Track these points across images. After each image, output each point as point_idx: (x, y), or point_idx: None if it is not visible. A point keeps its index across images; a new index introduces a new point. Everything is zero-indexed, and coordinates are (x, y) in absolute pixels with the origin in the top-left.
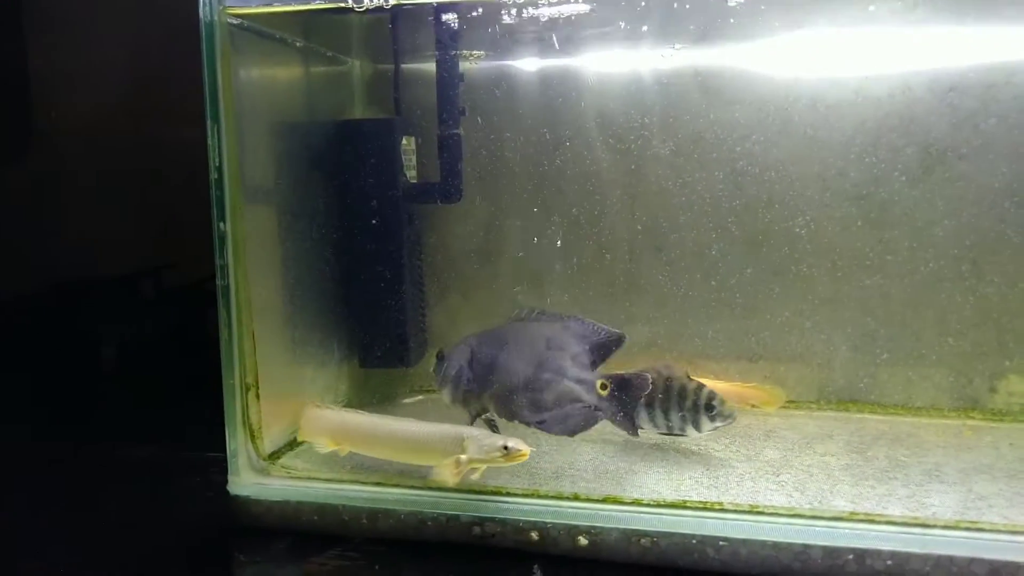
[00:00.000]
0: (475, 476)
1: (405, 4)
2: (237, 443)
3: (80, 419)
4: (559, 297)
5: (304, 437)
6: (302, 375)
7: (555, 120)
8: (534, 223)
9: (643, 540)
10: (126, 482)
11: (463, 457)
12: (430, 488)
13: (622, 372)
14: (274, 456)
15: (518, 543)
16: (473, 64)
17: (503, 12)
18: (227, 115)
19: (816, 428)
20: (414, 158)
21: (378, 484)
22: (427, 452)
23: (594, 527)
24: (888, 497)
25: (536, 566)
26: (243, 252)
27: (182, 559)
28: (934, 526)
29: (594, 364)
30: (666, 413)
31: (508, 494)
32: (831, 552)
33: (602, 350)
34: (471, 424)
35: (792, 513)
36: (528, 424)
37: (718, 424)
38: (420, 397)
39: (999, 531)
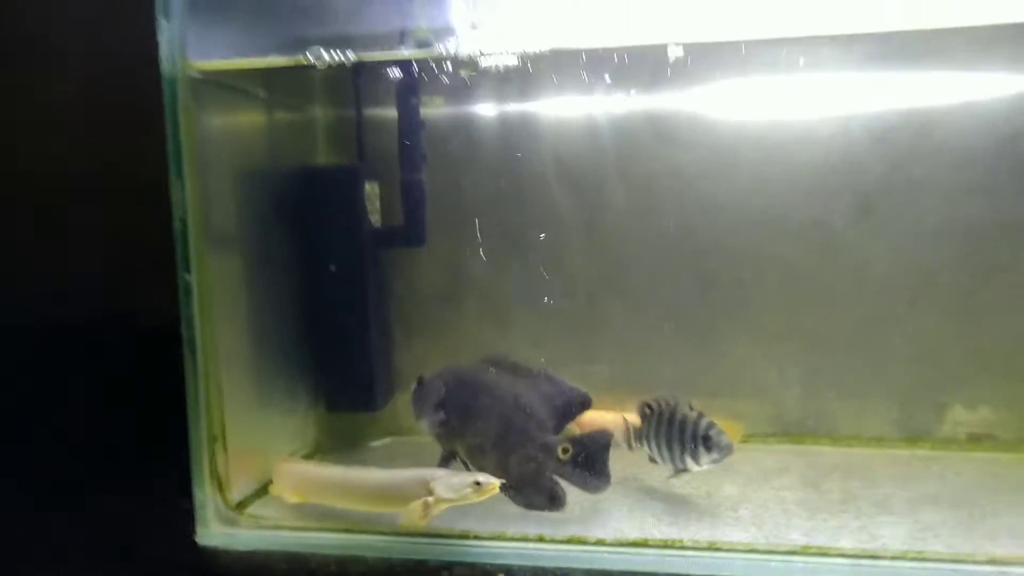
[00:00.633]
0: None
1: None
2: (205, 494)
3: (45, 470)
4: (522, 338)
5: (275, 491)
6: (269, 423)
7: (515, 164)
8: (497, 266)
9: None
10: (93, 533)
11: (430, 499)
12: (398, 534)
13: (582, 433)
14: (242, 505)
15: None
16: (434, 110)
17: (459, 68)
18: (191, 167)
19: (773, 462)
20: (378, 203)
21: (346, 531)
22: (395, 499)
23: (560, 568)
24: (841, 529)
25: None
26: (209, 302)
27: None
28: (883, 557)
29: (558, 427)
30: (669, 445)
31: (475, 537)
32: None
33: (567, 411)
34: (441, 463)
35: (749, 549)
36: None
37: (715, 456)
38: (388, 440)
39: (943, 560)
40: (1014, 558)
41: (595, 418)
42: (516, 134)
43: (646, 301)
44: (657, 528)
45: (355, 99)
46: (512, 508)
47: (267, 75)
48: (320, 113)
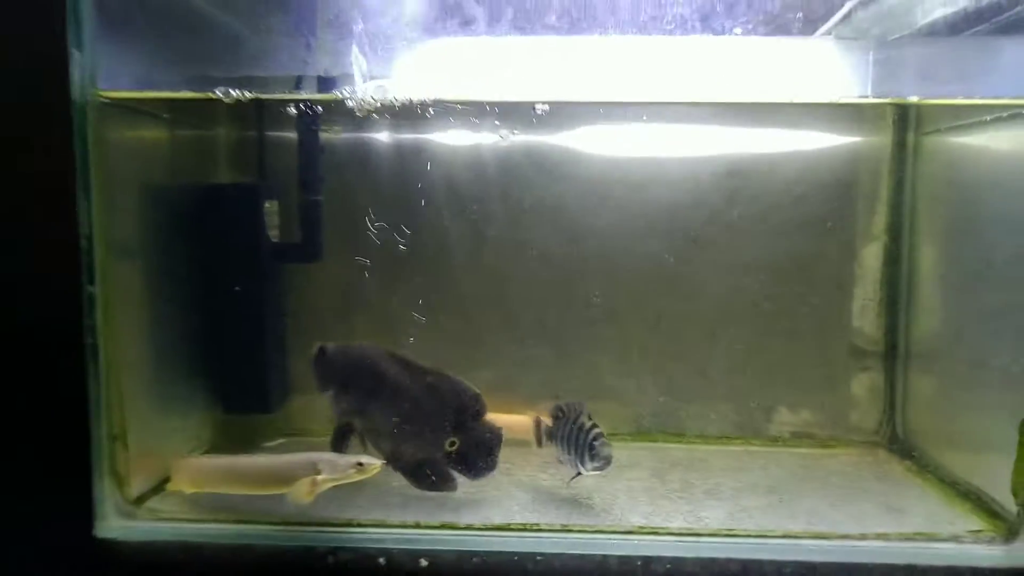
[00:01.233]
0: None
1: (265, 98)
2: (104, 489)
3: None
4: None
5: (173, 487)
6: (167, 424)
7: (406, 187)
8: (389, 279)
9: (475, 559)
10: None
11: (318, 477)
12: (287, 523)
13: (475, 430)
14: (140, 500)
15: (368, 568)
16: (334, 136)
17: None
18: (97, 185)
19: (628, 458)
20: (277, 219)
21: (239, 522)
22: (285, 480)
23: (433, 550)
24: (674, 513)
25: None
26: (112, 312)
27: None
28: (702, 534)
29: (453, 423)
30: (568, 448)
31: (359, 525)
32: (624, 560)
33: (461, 411)
34: (336, 436)
35: (595, 530)
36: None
37: (597, 464)
38: (283, 440)
39: (749, 535)
40: (803, 532)
41: (507, 418)
42: (409, 161)
43: (522, 316)
44: (521, 515)
45: (257, 123)
46: (394, 499)
47: (173, 100)
48: (224, 134)
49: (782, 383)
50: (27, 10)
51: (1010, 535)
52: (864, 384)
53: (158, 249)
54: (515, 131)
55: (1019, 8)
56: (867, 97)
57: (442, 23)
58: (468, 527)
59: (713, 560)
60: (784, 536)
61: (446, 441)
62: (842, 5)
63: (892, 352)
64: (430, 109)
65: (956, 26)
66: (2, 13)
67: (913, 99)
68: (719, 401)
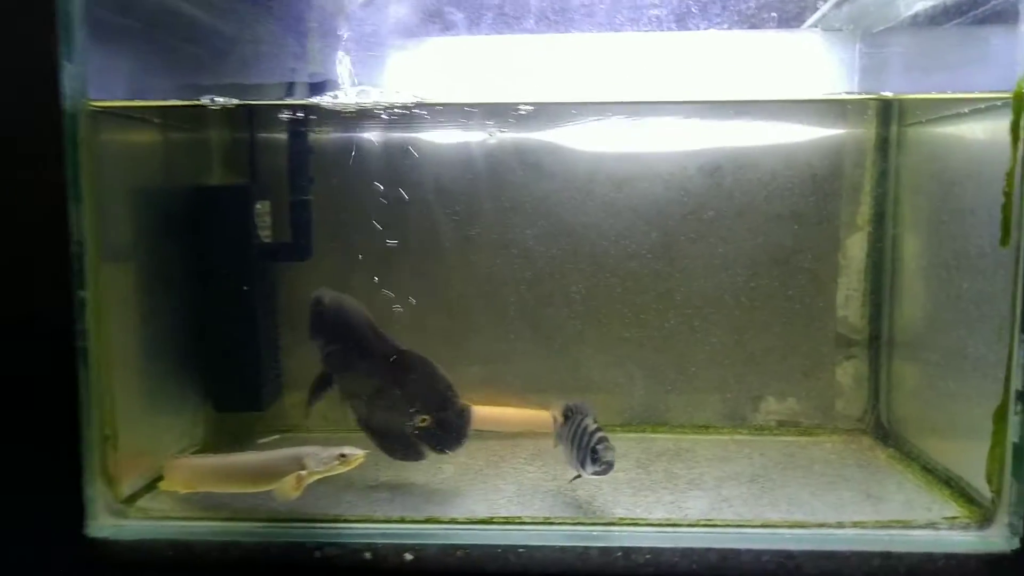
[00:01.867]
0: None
1: (249, 104)
2: (95, 489)
3: None
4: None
5: (165, 487)
6: (159, 423)
7: (396, 186)
8: (379, 276)
9: (459, 552)
10: None
11: (303, 472)
12: (274, 520)
13: (447, 413)
14: (131, 499)
15: (354, 562)
16: (323, 136)
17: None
18: (88, 192)
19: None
20: (269, 219)
21: (227, 519)
22: (271, 476)
23: (418, 544)
24: (656, 503)
25: None
26: (102, 315)
27: None
28: (681, 525)
29: (425, 407)
30: (571, 449)
31: (345, 520)
32: (604, 551)
33: (438, 397)
34: (317, 382)
35: (576, 522)
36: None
37: (597, 468)
38: (276, 437)
39: (728, 525)
40: (782, 521)
41: (524, 413)
42: (398, 161)
43: (513, 309)
44: (506, 508)
45: (249, 126)
46: (381, 494)
47: (164, 107)
48: (215, 136)
49: (768, 372)
50: (19, 24)
51: (984, 521)
52: (849, 373)
53: (150, 251)
54: (502, 129)
55: (993, 1)
56: (853, 93)
57: (424, 26)
58: (452, 521)
59: (692, 550)
60: (762, 525)
61: (418, 418)
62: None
63: (876, 341)
64: (413, 111)
65: (936, 19)
66: None
67: (889, 95)
68: (705, 391)
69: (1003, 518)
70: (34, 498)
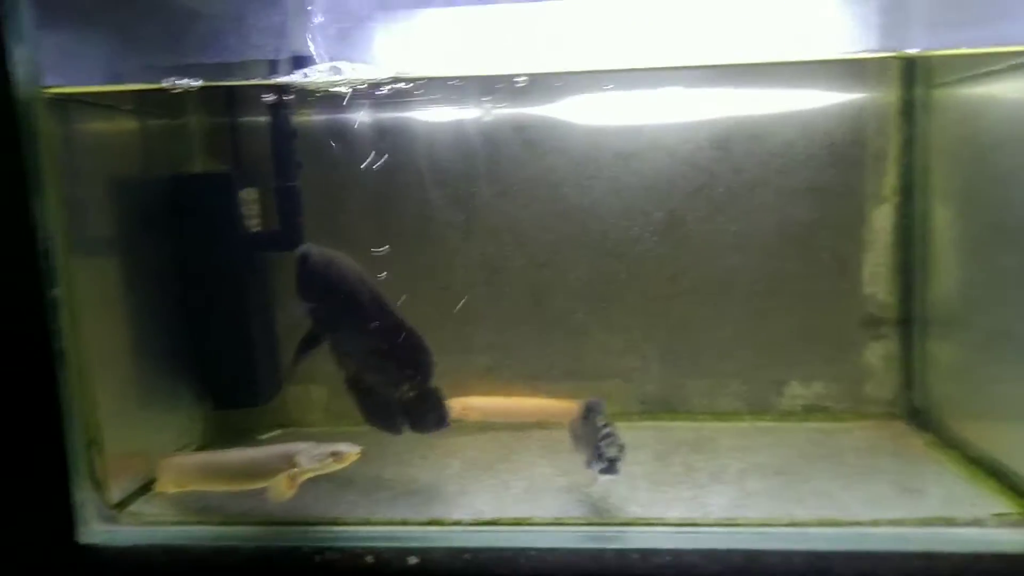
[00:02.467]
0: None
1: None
2: (84, 495)
3: None
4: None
5: (159, 488)
6: (151, 423)
7: (389, 169)
8: (375, 262)
9: (465, 555)
10: None
11: (295, 470)
12: (271, 523)
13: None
14: (123, 504)
15: (356, 567)
16: (308, 119)
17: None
18: (52, 185)
19: (631, 439)
20: (256, 208)
21: (223, 523)
22: (261, 474)
23: (422, 547)
24: (675, 500)
25: None
26: (79, 314)
27: None
28: (703, 524)
29: (414, 376)
30: (584, 446)
31: (344, 523)
32: (621, 553)
33: (423, 366)
34: (304, 341)
35: (590, 523)
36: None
37: (602, 467)
38: (277, 432)
39: (752, 524)
40: (812, 519)
41: (553, 406)
42: (390, 141)
43: (519, 293)
44: (515, 506)
45: (229, 110)
46: (383, 494)
47: (135, 92)
48: (195, 122)
49: (792, 355)
50: None
51: None
52: (878, 353)
53: (132, 245)
54: (500, 104)
55: None
56: (873, 51)
57: None
58: (457, 522)
59: (715, 551)
60: (791, 524)
61: (405, 387)
62: None
63: (907, 319)
64: (393, 87)
65: None
66: None
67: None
68: (727, 376)
69: None
70: (22, 505)
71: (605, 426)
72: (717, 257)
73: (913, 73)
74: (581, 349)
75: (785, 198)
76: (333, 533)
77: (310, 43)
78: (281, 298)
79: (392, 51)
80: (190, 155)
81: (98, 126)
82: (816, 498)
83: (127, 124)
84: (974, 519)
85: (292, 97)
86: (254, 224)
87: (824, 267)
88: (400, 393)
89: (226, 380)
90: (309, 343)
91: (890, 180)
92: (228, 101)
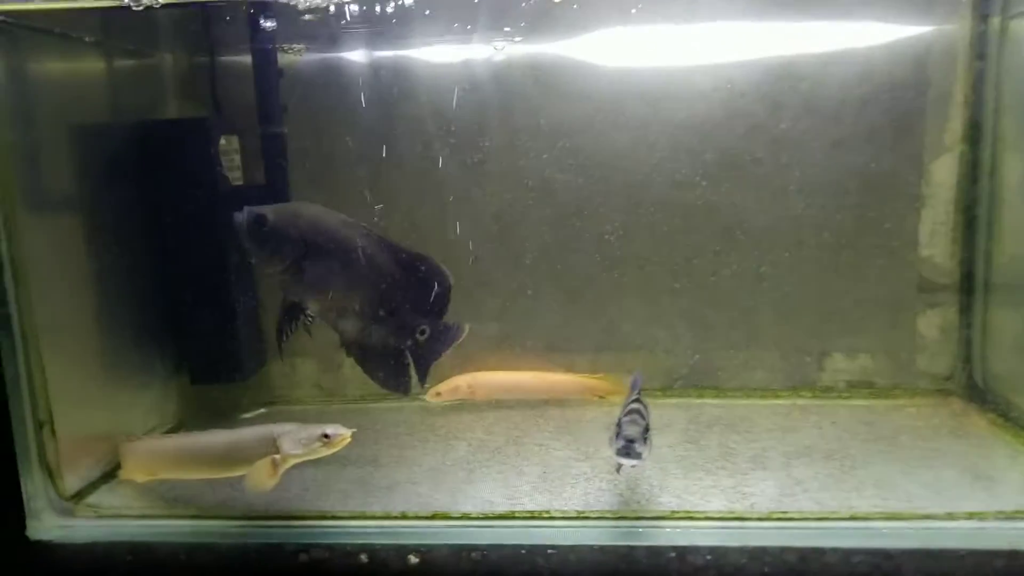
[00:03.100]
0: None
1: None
2: (35, 484)
3: None
4: None
5: (124, 475)
6: (117, 401)
7: (386, 116)
8: (370, 222)
9: (473, 554)
10: None
11: (278, 456)
12: (250, 518)
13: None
14: (81, 494)
15: (347, 567)
16: (296, 57)
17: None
18: None
19: (658, 417)
20: (237, 159)
21: (195, 517)
22: (240, 460)
23: (424, 544)
24: (713, 489)
25: None
26: (26, 274)
27: None
28: (749, 519)
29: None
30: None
31: (335, 517)
32: (654, 552)
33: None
34: (283, 313)
35: (617, 516)
36: (348, 353)
37: (617, 446)
38: (262, 411)
39: (807, 518)
40: (876, 512)
41: (571, 382)
42: (387, 83)
43: (534, 256)
44: (530, 496)
45: (208, 43)
46: (381, 481)
47: (99, 18)
48: (169, 59)
49: (836, 324)
50: None
51: None
52: (934, 323)
53: (94, 198)
54: (515, 39)
55: None
56: None
57: None
58: (464, 516)
59: (763, 549)
60: (851, 518)
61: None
62: None
63: (969, 284)
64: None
65: None
66: None
67: None
68: (762, 349)
69: None
70: None
71: (634, 401)
72: (754, 216)
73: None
74: (594, 317)
75: (833, 148)
76: (321, 528)
77: None
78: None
79: None
80: (163, 98)
81: (54, 60)
82: (875, 486)
83: (89, 59)
84: None
85: (274, 25)
86: (235, 176)
87: (875, 225)
88: (415, 337)
89: (203, 352)
90: (289, 316)
91: (954, 126)
92: (205, 35)
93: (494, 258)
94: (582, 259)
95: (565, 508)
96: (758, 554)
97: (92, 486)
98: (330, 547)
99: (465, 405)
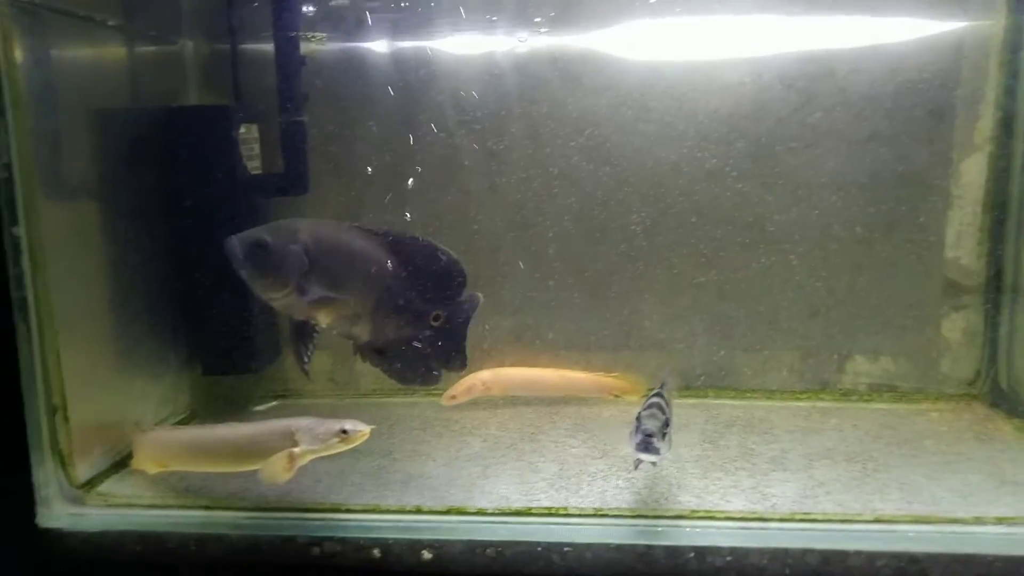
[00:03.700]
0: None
1: None
2: (46, 471)
3: None
4: None
5: (136, 465)
6: (130, 389)
7: (407, 107)
8: (390, 214)
9: (488, 550)
10: None
11: (296, 450)
12: (262, 509)
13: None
14: (92, 483)
15: (359, 561)
16: (318, 46)
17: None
18: (15, 106)
19: (676, 417)
20: (256, 147)
21: (207, 507)
22: (256, 454)
23: (438, 540)
24: (733, 489)
25: None
26: (43, 259)
27: None
28: (771, 519)
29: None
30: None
31: (348, 510)
32: (673, 551)
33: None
34: (295, 333)
35: (635, 514)
36: (366, 360)
37: (635, 441)
38: (274, 403)
39: (830, 520)
40: (901, 515)
41: (586, 380)
42: (410, 73)
43: (552, 251)
44: (546, 493)
45: (229, 29)
46: (395, 475)
47: (122, 2)
48: (190, 45)
49: (857, 326)
50: None
51: None
52: (959, 326)
53: (113, 184)
54: (540, 30)
55: None
56: None
57: None
58: (479, 512)
59: (785, 551)
60: (876, 520)
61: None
62: None
63: (995, 286)
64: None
65: None
66: None
67: None
68: (782, 349)
69: None
70: None
71: (655, 396)
72: (777, 213)
73: None
74: (611, 314)
75: (860, 146)
76: (335, 521)
77: None
78: None
79: None
80: (184, 85)
81: (76, 44)
82: (899, 489)
83: (111, 44)
84: None
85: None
86: (254, 165)
87: (901, 225)
88: (430, 323)
89: (217, 342)
90: (305, 336)
91: (985, 125)
92: (229, 23)
93: (510, 252)
94: (602, 253)
95: (582, 505)
96: (779, 555)
97: (103, 474)
98: (343, 540)
99: (479, 401)
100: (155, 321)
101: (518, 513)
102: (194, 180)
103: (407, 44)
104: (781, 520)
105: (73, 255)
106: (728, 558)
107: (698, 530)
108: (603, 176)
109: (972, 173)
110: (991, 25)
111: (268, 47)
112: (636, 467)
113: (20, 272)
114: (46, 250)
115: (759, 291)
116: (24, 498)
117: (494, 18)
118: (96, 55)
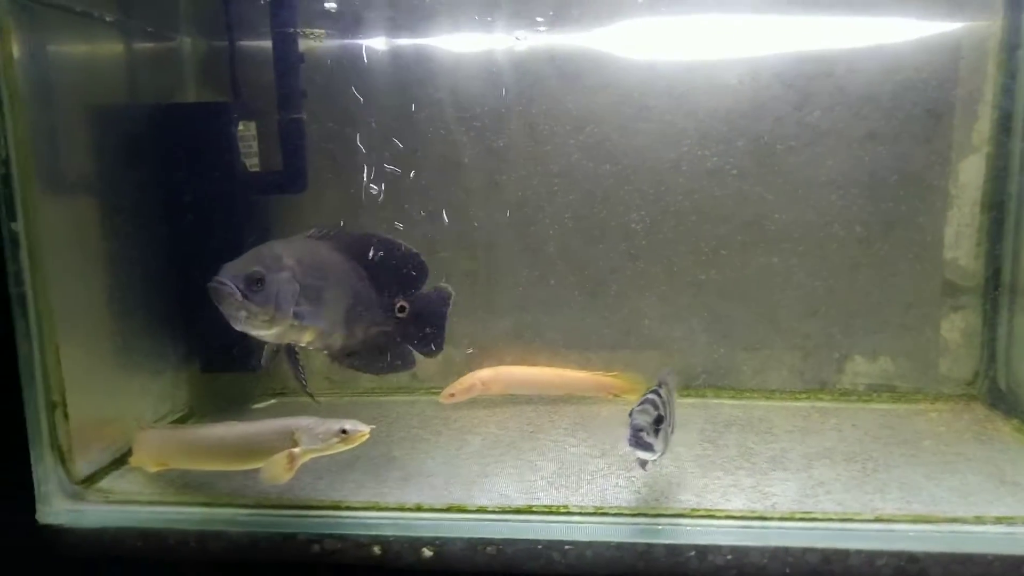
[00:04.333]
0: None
1: None
2: (45, 467)
3: None
4: None
5: (135, 462)
6: (128, 386)
7: (406, 104)
8: (388, 212)
9: (489, 548)
10: None
11: (296, 450)
12: (262, 506)
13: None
14: (93, 479)
15: (360, 559)
16: (316, 43)
17: None
18: (13, 101)
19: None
20: (255, 145)
21: (207, 505)
22: (257, 453)
23: (438, 537)
24: (733, 488)
25: None
26: (43, 254)
27: None
28: (771, 518)
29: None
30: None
31: (348, 508)
32: (673, 550)
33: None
34: (290, 362)
35: (636, 513)
36: (341, 364)
37: (628, 436)
38: (272, 401)
39: (831, 519)
40: (901, 515)
41: (585, 379)
42: (408, 71)
43: (551, 251)
44: (546, 492)
45: (227, 26)
46: (394, 473)
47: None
48: (188, 42)
49: (856, 326)
50: None
51: None
52: (957, 327)
53: (111, 181)
54: (539, 27)
55: None
56: None
57: None
58: (480, 509)
59: (785, 550)
60: (876, 520)
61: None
62: None
63: (994, 287)
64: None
65: None
66: None
67: None
68: (781, 348)
69: None
70: None
71: (651, 392)
72: (776, 212)
73: None
74: (609, 313)
75: (858, 146)
76: (335, 519)
77: None
78: None
79: None
80: (182, 81)
81: (74, 39)
82: (899, 489)
83: (109, 40)
84: None
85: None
86: (252, 162)
87: (899, 226)
88: (395, 314)
89: (216, 340)
90: (295, 359)
91: (983, 126)
92: (227, 20)
93: (508, 252)
94: (601, 252)
95: (583, 503)
96: (780, 554)
97: (103, 471)
98: (343, 538)
99: (478, 400)
100: (154, 317)
101: (519, 511)
102: (192, 177)
103: (406, 42)
104: (781, 519)
105: (72, 251)
106: (729, 557)
107: (699, 529)
108: (603, 174)
109: (970, 173)
110: (989, 25)
111: (266, 44)
112: (643, 466)
113: (19, 268)
114: (44, 246)
115: (758, 290)
116: (24, 494)
117: (489, 18)
118: (94, 51)
